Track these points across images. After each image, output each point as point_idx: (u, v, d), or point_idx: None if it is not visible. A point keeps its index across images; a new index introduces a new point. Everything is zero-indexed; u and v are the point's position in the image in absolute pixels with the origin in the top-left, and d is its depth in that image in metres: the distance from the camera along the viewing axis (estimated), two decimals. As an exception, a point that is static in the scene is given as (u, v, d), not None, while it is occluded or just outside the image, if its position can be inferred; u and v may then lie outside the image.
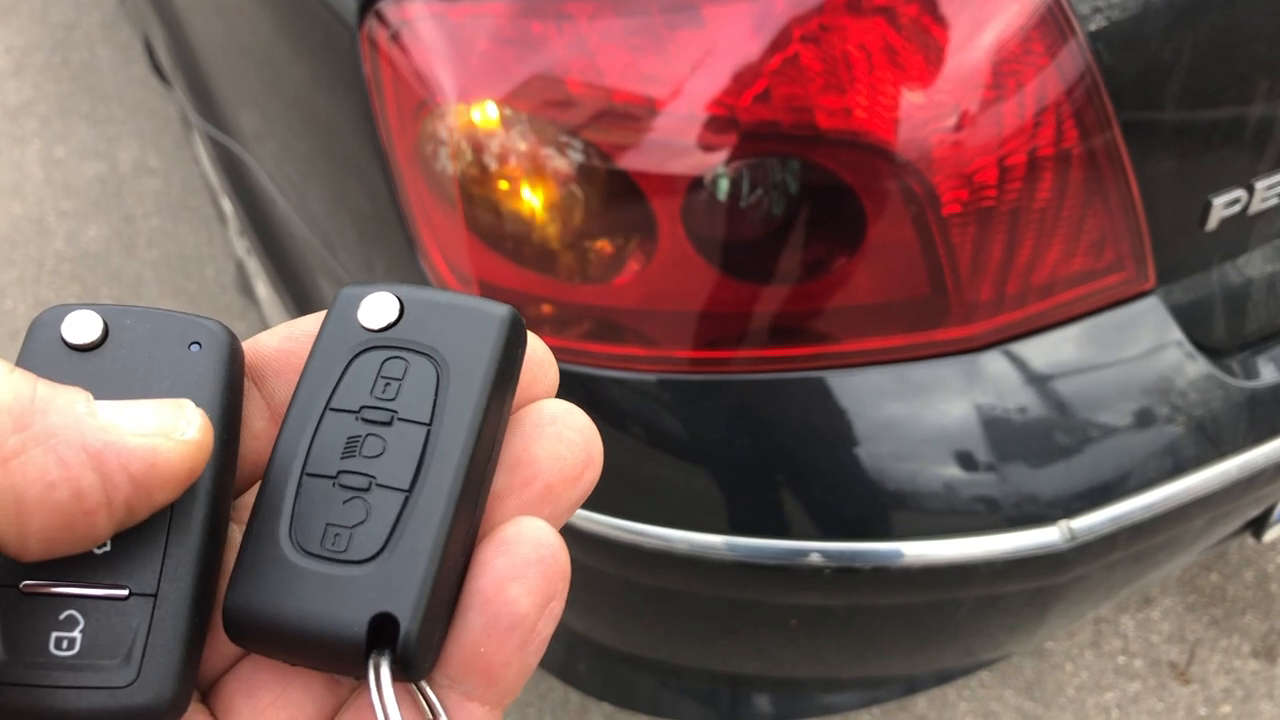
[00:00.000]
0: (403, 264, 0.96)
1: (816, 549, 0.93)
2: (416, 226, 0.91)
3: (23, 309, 2.18)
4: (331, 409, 0.29)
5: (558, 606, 0.28)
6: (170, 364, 0.29)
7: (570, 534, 1.00)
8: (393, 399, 0.29)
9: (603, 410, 0.91)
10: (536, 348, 0.32)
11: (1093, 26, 0.77)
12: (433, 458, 0.28)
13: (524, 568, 0.28)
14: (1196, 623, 1.71)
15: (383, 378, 0.29)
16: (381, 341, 0.30)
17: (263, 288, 1.77)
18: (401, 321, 0.30)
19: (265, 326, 1.97)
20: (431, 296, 0.30)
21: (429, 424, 0.29)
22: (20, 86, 2.58)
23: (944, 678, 1.30)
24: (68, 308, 0.29)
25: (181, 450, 0.26)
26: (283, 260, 1.31)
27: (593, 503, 0.97)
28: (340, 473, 0.28)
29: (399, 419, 0.29)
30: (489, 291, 0.88)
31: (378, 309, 0.30)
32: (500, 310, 0.30)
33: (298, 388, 0.30)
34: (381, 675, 0.26)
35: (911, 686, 1.30)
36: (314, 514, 0.28)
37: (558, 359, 0.89)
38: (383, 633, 0.27)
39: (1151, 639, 1.70)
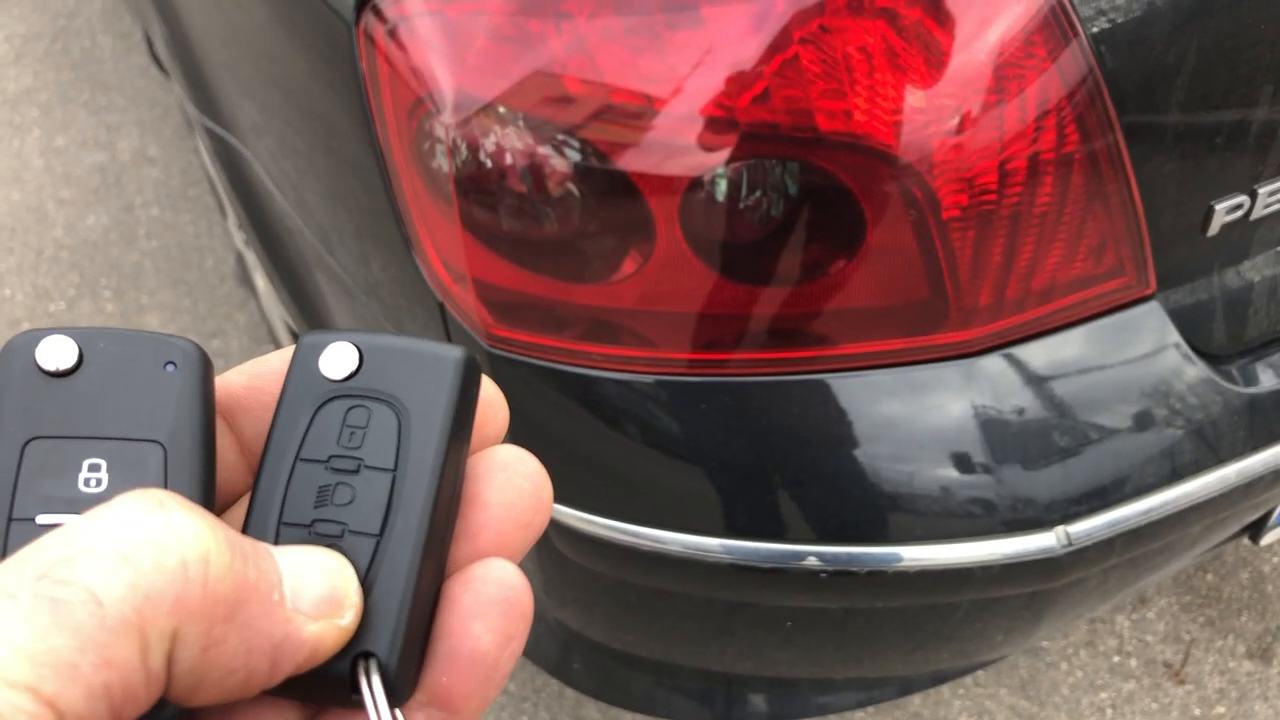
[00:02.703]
0: (399, 261, 0.95)
1: (812, 552, 0.92)
2: (413, 224, 0.90)
3: (21, 297, 2.17)
4: (302, 459, 0.30)
5: (518, 645, 0.30)
6: (148, 385, 0.30)
7: (566, 534, 1.00)
8: (358, 447, 0.30)
9: (599, 411, 0.91)
10: (487, 388, 0.33)
11: (1095, 29, 0.76)
12: (399, 502, 0.30)
13: (488, 607, 0.29)
14: (1192, 623, 1.71)
15: (348, 427, 0.31)
16: (344, 391, 0.31)
17: (261, 279, 1.76)
18: (361, 370, 0.31)
19: (264, 318, 1.96)
20: (388, 343, 0.31)
21: (394, 470, 0.30)
22: (20, 75, 2.58)
23: (939, 678, 1.30)
24: (41, 333, 0.30)
25: (337, 637, 0.28)
26: (280, 255, 1.31)
27: (589, 503, 0.97)
28: (315, 521, 0.30)
29: (365, 467, 0.30)
30: (485, 290, 0.87)
31: (338, 359, 0.31)
32: (455, 353, 0.31)
33: (268, 440, 0.31)
34: (374, 685, 0.28)
35: (907, 687, 1.30)
36: None
37: (553, 359, 0.89)
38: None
39: (1147, 639, 1.70)
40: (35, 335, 0.30)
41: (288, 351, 0.32)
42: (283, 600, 0.27)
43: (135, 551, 0.24)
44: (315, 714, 0.31)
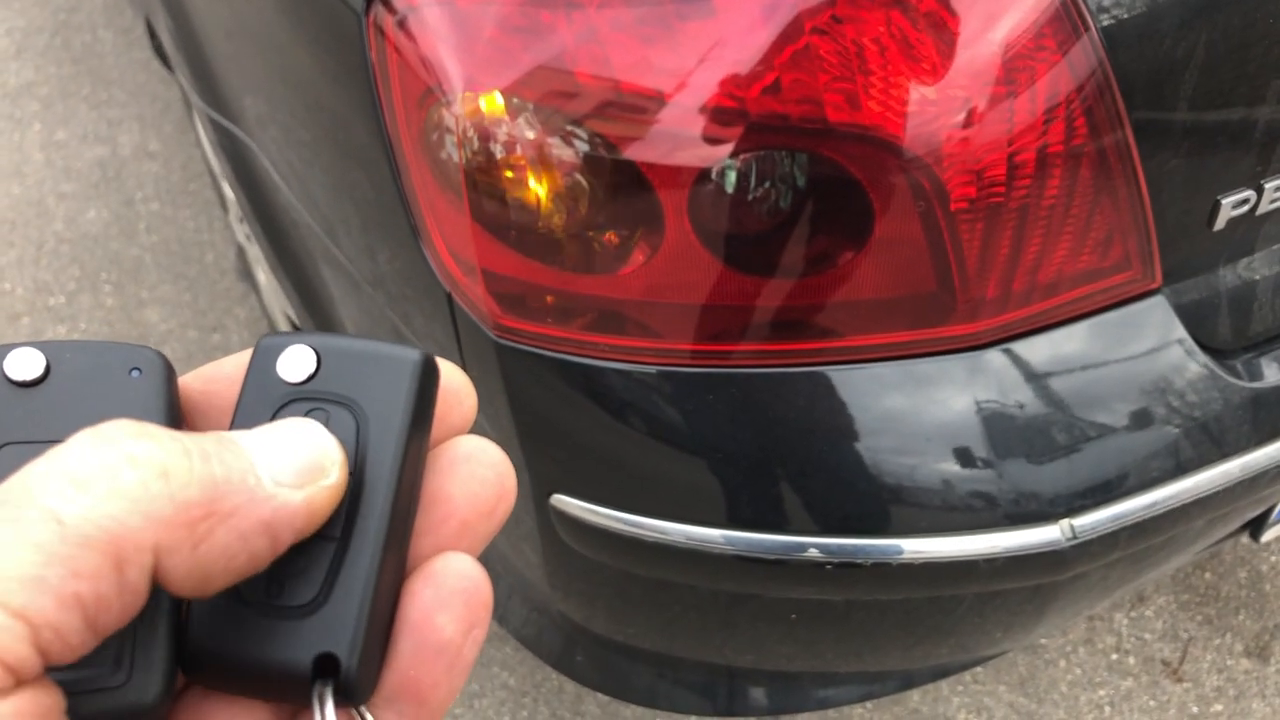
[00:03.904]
0: (406, 253, 0.95)
1: (815, 544, 0.93)
2: (421, 214, 0.90)
3: (21, 291, 2.17)
4: None
5: (480, 634, 0.31)
6: (115, 391, 0.31)
7: (570, 525, 1.00)
8: None
9: (604, 402, 0.91)
10: (453, 376, 0.33)
11: (1105, 22, 0.77)
12: (359, 505, 0.30)
13: (449, 598, 0.30)
14: (1190, 621, 1.72)
15: None
16: (302, 394, 0.31)
17: (263, 273, 1.76)
18: (319, 373, 0.31)
19: (265, 312, 1.96)
20: (346, 346, 0.32)
21: (353, 473, 0.30)
22: (21, 69, 2.57)
23: (940, 673, 1.30)
24: (7, 347, 0.31)
25: (328, 496, 0.29)
26: (284, 247, 1.31)
27: (594, 494, 0.97)
28: None
29: None
30: (493, 281, 0.88)
31: (296, 362, 0.31)
32: (412, 355, 0.32)
33: None
34: (326, 707, 0.29)
35: (907, 681, 1.31)
36: None
37: (560, 350, 0.89)
38: (326, 667, 0.29)
39: (1145, 637, 1.70)
40: (2, 350, 0.30)
41: (242, 356, 0.32)
42: (260, 482, 0.28)
43: (90, 478, 0.25)
44: (290, 715, 0.31)
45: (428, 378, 0.32)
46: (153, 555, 0.25)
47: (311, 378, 0.31)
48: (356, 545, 0.30)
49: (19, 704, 0.24)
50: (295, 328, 1.66)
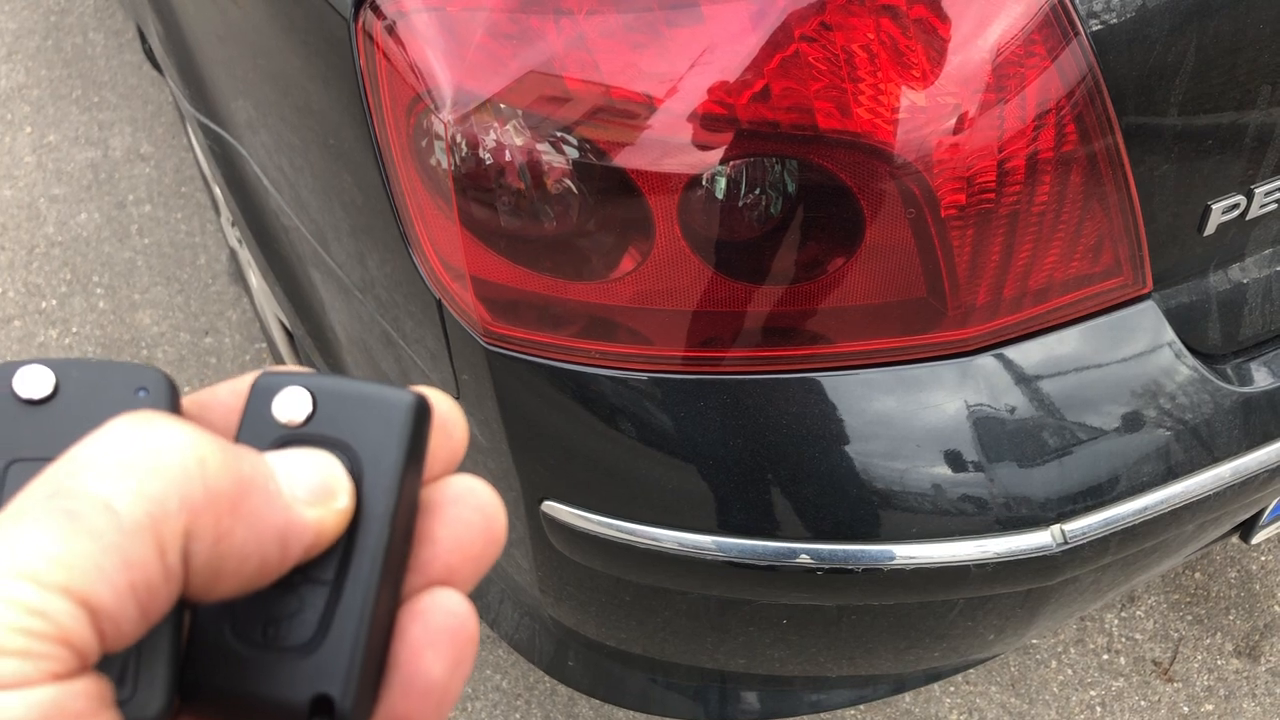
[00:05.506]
0: (396, 258, 0.95)
1: (807, 550, 0.93)
2: (410, 221, 0.90)
3: (13, 294, 2.17)
4: None
5: (466, 668, 0.31)
6: (122, 409, 0.31)
7: (562, 531, 1.00)
8: None
9: (595, 408, 0.91)
10: (442, 406, 0.33)
11: (1095, 28, 0.77)
12: (354, 548, 0.30)
13: (437, 636, 0.31)
14: (1180, 621, 1.72)
15: None
16: (297, 437, 0.31)
17: (255, 277, 1.76)
18: (315, 416, 0.32)
19: (257, 316, 1.96)
20: (342, 388, 0.32)
21: None
22: (12, 71, 2.57)
23: (933, 676, 1.30)
24: (17, 364, 0.31)
25: (337, 520, 0.30)
26: (274, 252, 1.31)
27: (585, 500, 0.97)
28: None
29: None
30: (483, 287, 0.87)
31: (292, 404, 0.32)
32: (405, 398, 0.32)
33: None
34: None
35: (899, 685, 1.31)
36: (252, 608, 0.30)
37: (551, 357, 0.89)
38: (322, 707, 0.30)
39: (1135, 637, 1.71)
40: (11, 366, 0.31)
41: (237, 383, 0.33)
42: (279, 491, 0.29)
43: (134, 460, 0.26)
44: None
45: (421, 419, 0.32)
46: (183, 539, 0.26)
47: (307, 420, 0.31)
48: (351, 588, 0.30)
49: (85, 686, 0.25)
50: (287, 332, 1.65)
